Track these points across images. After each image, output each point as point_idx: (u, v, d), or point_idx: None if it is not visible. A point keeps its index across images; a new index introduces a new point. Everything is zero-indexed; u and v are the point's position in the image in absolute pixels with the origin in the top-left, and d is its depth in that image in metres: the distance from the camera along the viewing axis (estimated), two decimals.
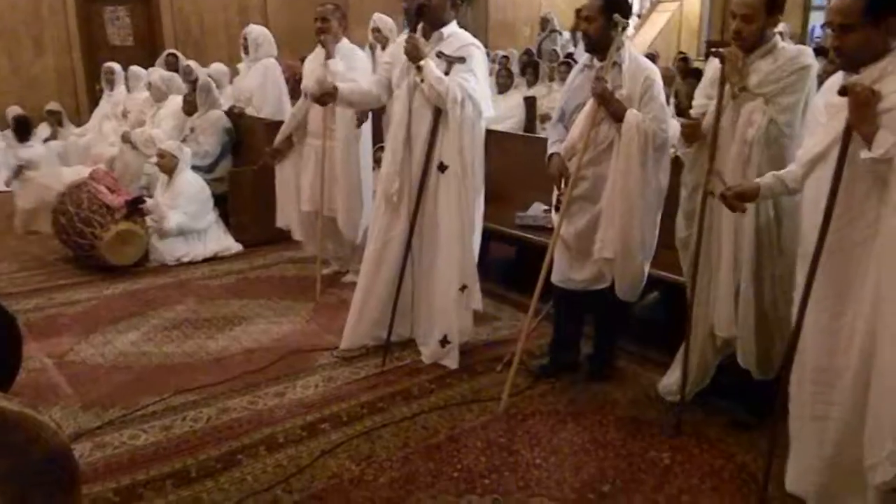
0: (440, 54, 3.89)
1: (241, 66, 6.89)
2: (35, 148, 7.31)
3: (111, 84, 8.47)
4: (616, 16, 3.45)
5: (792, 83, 3.04)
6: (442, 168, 3.95)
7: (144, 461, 3.22)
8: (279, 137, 5.37)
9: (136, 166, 6.95)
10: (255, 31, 6.59)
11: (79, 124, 9.05)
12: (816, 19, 13.98)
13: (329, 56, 4.89)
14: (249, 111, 6.56)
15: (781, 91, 3.03)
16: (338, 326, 4.40)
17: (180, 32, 10.65)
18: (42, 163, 7.25)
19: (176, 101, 7.13)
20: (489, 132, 4.67)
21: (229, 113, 6.62)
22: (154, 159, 6.15)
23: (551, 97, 8.21)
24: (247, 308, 4.99)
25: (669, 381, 3.67)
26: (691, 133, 3.26)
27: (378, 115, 5.76)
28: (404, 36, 3.92)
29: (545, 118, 7.87)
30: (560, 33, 11.95)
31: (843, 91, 2.48)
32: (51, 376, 4.01)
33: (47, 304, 5.06)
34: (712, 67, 3.34)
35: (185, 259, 5.88)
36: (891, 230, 2.44)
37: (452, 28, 3.98)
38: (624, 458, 3.26)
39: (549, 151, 3.74)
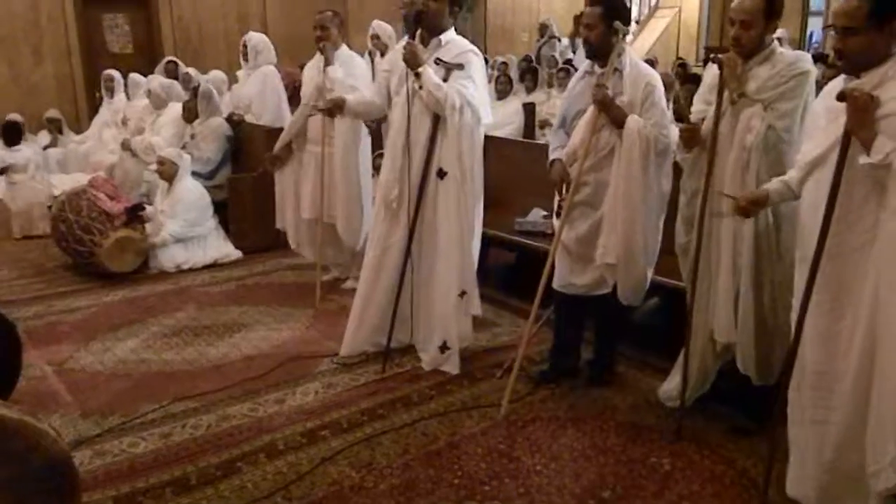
0: (438, 61, 3.90)
1: (240, 73, 6.89)
2: (23, 152, 7.34)
3: (111, 91, 8.47)
4: (616, 23, 3.47)
5: (791, 89, 3.04)
6: (441, 174, 3.95)
7: (144, 469, 3.22)
8: (279, 144, 5.38)
9: (136, 174, 6.97)
10: (255, 38, 6.60)
11: (78, 132, 9.05)
12: (815, 25, 14.02)
13: (328, 63, 4.90)
14: (249, 118, 6.57)
15: (780, 97, 3.04)
16: (338, 333, 4.40)
17: (180, 40, 10.65)
18: (29, 167, 7.29)
19: (175, 109, 7.13)
20: (488, 138, 4.68)
21: (228, 120, 6.63)
22: (154, 166, 6.16)
23: (550, 103, 8.22)
24: (246, 315, 4.99)
25: (669, 386, 3.67)
26: (690, 138, 3.27)
27: (378, 122, 5.78)
28: (402, 43, 3.94)
29: (544, 124, 7.88)
30: (559, 39, 11.95)
31: (841, 96, 2.48)
32: (50, 384, 4.01)
33: (47, 312, 5.05)
34: (711, 73, 3.35)
35: (185, 266, 5.88)
36: (889, 235, 2.44)
37: (451, 35, 4.00)
38: (624, 464, 3.25)
39: (551, 157, 3.75)
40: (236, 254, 6.17)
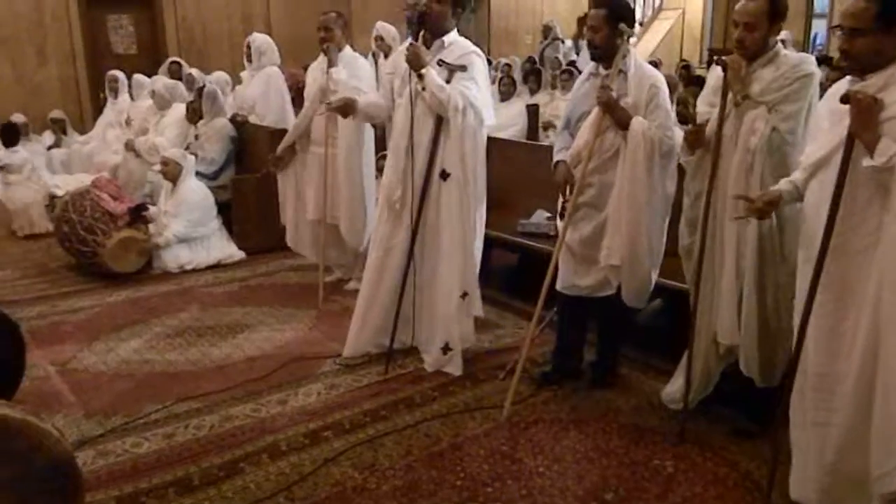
0: (441, 62, 3.91)
1: (243, 74, 6.90)
2: (20, 153, 7.37)
3: (115, 92, 8.49)
4: (621, 25, 3.47)
5: (794, 91, 3.04)
6: (444, 176, 3.96)
7: (147, 469, 3.22)
8: (282, 145, 5.39)
9: (140, 174, 6.98)
10: (259, 39, 6.61)
11: (82, 132, 9.07)
12: (819, 27, 14.00)
13: (332, 64, 4.91)
14: (252, 119, 6.58)
15: (784, 99, 3.03)
16: (340, 334, 4.40)
17: (184, 41, 10.67)
18: (25, 168, 7.32)
19: (179, 109, 7.15)
20: (492, 140, 4.68)
21: (232, 121, 6.64)
22: (157, 167, 6.17)
23: (553, 105, 8.22)
24: (250, 315, 4.99)
25: (673, 388, 3.66)
26: (695, 139, 3.26)
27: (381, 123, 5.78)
28: (406, 45, 3.94)
29: (547, 126, 7.88)
30: (562, 41, 11.96)
31: (845, 99, 2.48)
32: (54, 384, 4.01)
33: (50, 312, 5.06)
34: (714, 75, 3.35)
35: (189, 266, 5.89)
36: (893, 237, 2.44)
37: (453, 36, 4.00)
38: (627, 466, 3.25)
39: (555, 159, 3.75)
40: (239, 254, 6.17)
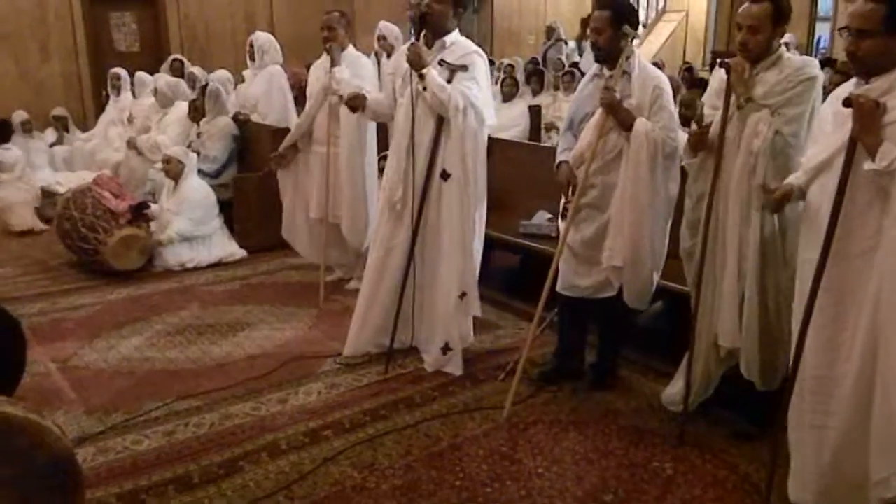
0: (442, 62, 3.91)
1: (246, 72, 6.91)
2: (12, 151, 7.39)
3: (117, 90, 8.50)
4: (625, 26, 3.47)
5: (798, 94, 3.04)
6: (444, 176, 3.96)
7: (147, 466, 3.23)
8: (285, 143, 5.39)
9: (142, 172, 6.99)
10: (261, 38, 6.61)
11: (85, 130, 9.07)
12: (822, 30, 14.01)
13: (334, 64, 4.91)
14: (255, 118, 6.58)
15: (787, 102, 3.03)
16: (341, 333, 4.40)
17: (186, 39, 10.67)
18: (17, 166, 7.34)
19: (182, 107, 7.16)
20: (494, 140, 4.68)
21: (234, 119, 6.65)
22: (159, 165, 6.17)
23: (556, 106, 8.23)
24: (250, 314, 4.99)
25: (673, 391, 3.66)
26: (698, 141, 3.26)
27: (382, 123, 5.78)
28: (407, 45, 3.95)
29: (550, 127, 7.88)
30: (565, 42, 11.97)
31: (847, 102, 2.48)
32: (55, 381, 4.02)
33: (51, 309, 5.07)
34: (717, 78, 3.35)
35: (190, 265, 5.89)
36: (892, 241, 2.44)
37: (455, 36, 4.00)
38: (626, 468, 3.25)
39: (558, 159, 3.76)
40: (241, 253, 6.17)
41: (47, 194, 7.42)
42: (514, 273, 5.79)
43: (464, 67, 3.89)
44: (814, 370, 2.68)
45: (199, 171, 6.18)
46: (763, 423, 3.34)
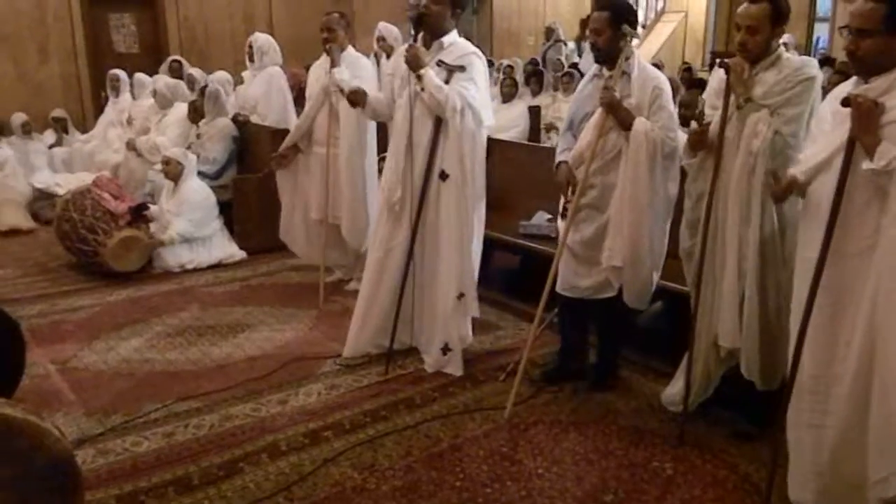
0: (440, 63, 3.91)
1: (245, 73, 6.91)
2: (3, 150, 7.41)
3: (116, 91, 8.50)
4: (624, 26, 3.47)
5: (797, 94, 3.04)
6: (443, 176, 3.96)
7: (147, 468, 3.22)
8: (285, 143, 5.39)
9: (141, 173, 6.99)
10: (261, 39, 6.61)
11: (84, 131, 9.06)
12: (821, 30, 14.01)
13: (334, 65, 4.91)
14: (254, 119, 6.58)
15: (786, 102, 3.03)
16: (341, 334, 4.40)
17: (186, 40, 10.66)
18: (6, 165, 7.36)
19: (181, 109, 7.16)
20: (493, 141, 4.68)
21: (234, 120, 6.65)
22: (159, 166, 6.17)
23: (555, 106, 8.23)
24: (250, 315, 4.99)
25: (672, 391, 3.66)
26: (699, 140, 3.27)
27: (382, 124, 5.78)
28: (405, 46, 3.95)
29: (549, 127, 7.88)
30: (565, 43, 11.96)
31: (846, 102, 2.48)
32: (54, 382, 4.02)
33: (51, 311, 5.06)
34: (716, 78, 3.35)
35: (190, 266, 5.89)
36: (890, 240, 2.44)
37: (453, 37, 4.01)
38: (626, 469, 3.25)
39: (557, 160, 3.76)
40: (240, 254, 6.18)
41: (46, 196, 7.42)
42: (513, 273, 5.79)
43: (461, 68, 3.89)
44: (812, 369, 2.68)
45: (199, 173, 6.18)
46: (763, 423, 3.34)
